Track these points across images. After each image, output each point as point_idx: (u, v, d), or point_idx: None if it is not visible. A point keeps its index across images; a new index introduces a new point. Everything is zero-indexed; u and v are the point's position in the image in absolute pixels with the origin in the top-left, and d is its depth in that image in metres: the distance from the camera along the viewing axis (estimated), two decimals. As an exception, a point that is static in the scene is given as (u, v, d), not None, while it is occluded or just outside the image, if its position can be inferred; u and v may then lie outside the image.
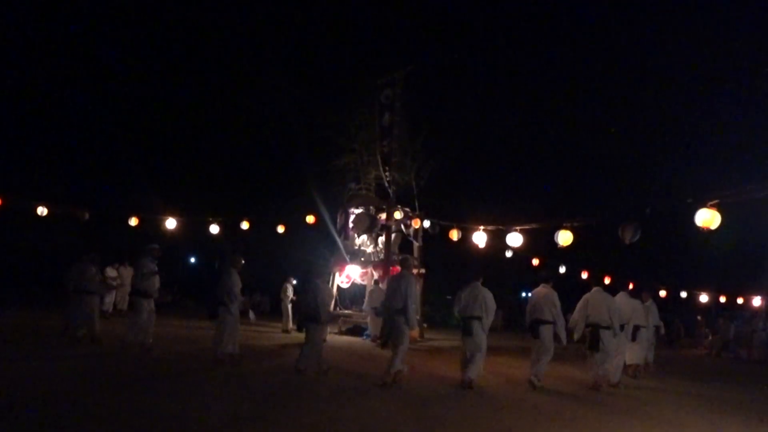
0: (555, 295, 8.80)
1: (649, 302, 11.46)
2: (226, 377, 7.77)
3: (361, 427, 5.72)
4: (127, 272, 15.01)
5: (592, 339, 8.92)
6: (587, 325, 9.04)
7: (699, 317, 25.13)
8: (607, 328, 8.96)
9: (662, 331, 13.52)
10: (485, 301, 8.37)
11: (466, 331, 8.33)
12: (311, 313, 8.43)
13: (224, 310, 8.74)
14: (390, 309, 8.06)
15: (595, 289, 9.34)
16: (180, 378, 7.61)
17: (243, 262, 9.14)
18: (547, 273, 9.77)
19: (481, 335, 8.31)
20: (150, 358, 9.01)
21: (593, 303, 9.09)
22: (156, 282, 9.76)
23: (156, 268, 9.73)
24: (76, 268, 10.62)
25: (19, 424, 4.94)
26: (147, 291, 9.57)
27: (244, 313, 12.47)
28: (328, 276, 15.88)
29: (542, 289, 8.92)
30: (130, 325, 9.57)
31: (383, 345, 8.14)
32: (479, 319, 8.31)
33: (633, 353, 10.69)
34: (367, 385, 7.93)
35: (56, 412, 5.33)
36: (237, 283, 8.80)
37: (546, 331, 8.67)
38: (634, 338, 10.49)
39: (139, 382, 7.12)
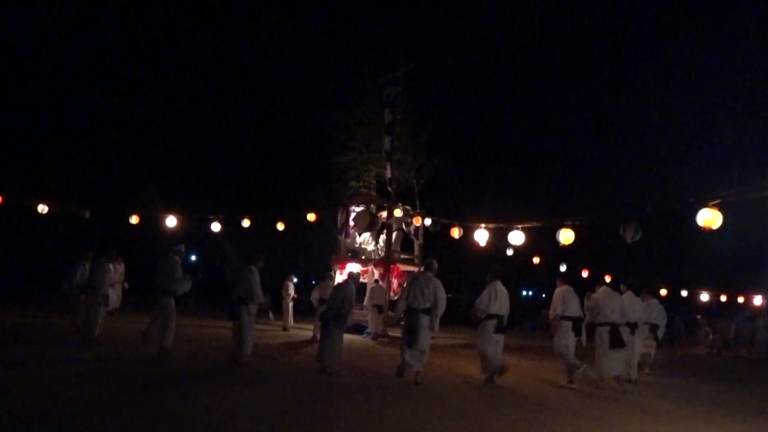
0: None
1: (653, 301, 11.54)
2: (237, 378, 7.72)
3: (370, 424, 5.73)
4: (120, 269, 14.98)
5: (613, 337, 8.99)
6: (604, 324, 9.09)
7: (699, 316, 25.10)
8: (621, 325, 9.14)
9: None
10: (507, 300, 8.58)
11: (501, 329, 8.44)
12: (341, 311, 8.45)
13: (245, 311, 8.53)
14: (412, 309, 8.08)
15: (602, 288, 9.37)
16: (193, 380, 7.52)
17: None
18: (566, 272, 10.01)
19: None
20: (169, 359, 8.75)
21: (607, 302, 9.16)
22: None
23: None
24: (95, 266, 10.48)
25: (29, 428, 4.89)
26: (176, 292, 9.10)
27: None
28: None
29: (566, 287, 9.05)
30: (163, 327, 8.98)
31: (410, 344, 8.07)
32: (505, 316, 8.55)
33: (647, 351, 10.90)
34: (371, 382, 7.96)
35: (65, 415, 5.31)
36: (258, 282, 8.64)
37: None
38: (656, 337, 10.87)
39: (156, 383, 7.05)
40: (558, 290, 9.10)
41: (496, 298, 8.40)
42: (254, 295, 8.52)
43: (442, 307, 8.13)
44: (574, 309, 8.88)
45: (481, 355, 8.48)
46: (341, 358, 8.56)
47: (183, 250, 9.48)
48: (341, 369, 8.39)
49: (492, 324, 8.39)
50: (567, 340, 8.77)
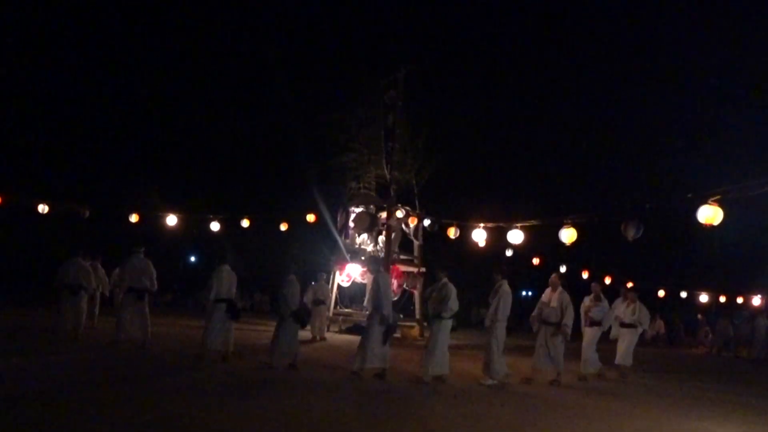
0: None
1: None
2: (223, 375, 7.76)
3: (361, 424, 5.73)
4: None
5: None
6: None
7: (699, 316, 25.09)
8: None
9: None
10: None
11: (454, 328, 8.75)
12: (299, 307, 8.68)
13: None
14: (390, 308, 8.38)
15: (560, 288, 9.27)
16: (173, 375, 7.57)
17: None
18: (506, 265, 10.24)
19: None
20: (149, 355, 8.94)
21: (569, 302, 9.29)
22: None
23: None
24: (71, 264, 10.43)
25: (18, 422, 4.89)
26: (150, 289, 9.63)
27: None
28: (328, 274, 15.97)
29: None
30: (146, 324, 9.48)
31: (386, 342, 8.25)
32: None
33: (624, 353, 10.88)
34: (368, 382, 7.94)
35: (56, 410, 5.30)
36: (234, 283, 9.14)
37: None
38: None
39: (137, 380, 7.08)
40: (505, 289, 8.51)
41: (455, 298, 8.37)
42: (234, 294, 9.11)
43: None
44: (509, 309, 8.54)
45: (438, 354, 8.22)
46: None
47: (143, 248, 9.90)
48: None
49: (451, 323, 8.42)
50: (502, 342, 8.48)
